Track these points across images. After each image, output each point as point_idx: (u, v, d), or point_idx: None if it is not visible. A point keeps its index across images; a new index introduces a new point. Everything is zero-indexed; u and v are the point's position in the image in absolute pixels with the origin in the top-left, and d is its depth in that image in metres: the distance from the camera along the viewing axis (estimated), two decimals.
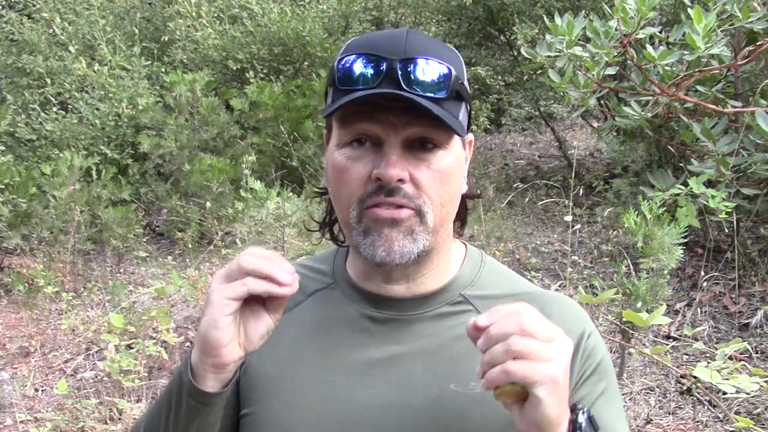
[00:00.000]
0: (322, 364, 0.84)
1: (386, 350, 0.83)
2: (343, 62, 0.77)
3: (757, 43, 2.91)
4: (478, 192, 0.94)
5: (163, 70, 6.18)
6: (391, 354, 0.83)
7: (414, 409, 0.80)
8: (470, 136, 0.85)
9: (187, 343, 3.48)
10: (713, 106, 3.06)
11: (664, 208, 2.75)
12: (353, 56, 0.76)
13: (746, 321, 3.16)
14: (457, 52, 0.83)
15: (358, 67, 0.76)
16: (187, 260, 4.66)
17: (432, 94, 0.74)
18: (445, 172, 0.78)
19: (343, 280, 0.89)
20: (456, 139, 0.79)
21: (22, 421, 2.96)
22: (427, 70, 0.75)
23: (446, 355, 0.82)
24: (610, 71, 3.17)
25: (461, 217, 0.90)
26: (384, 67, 0.74)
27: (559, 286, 3.67)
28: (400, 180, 0.75)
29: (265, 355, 0.86)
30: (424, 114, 0.74)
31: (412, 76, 0.74)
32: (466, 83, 0.81)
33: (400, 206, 0.76)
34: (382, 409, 0.80)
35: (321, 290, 0.90)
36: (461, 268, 0.88)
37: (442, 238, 0.82)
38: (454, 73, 0.77)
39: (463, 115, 0.80)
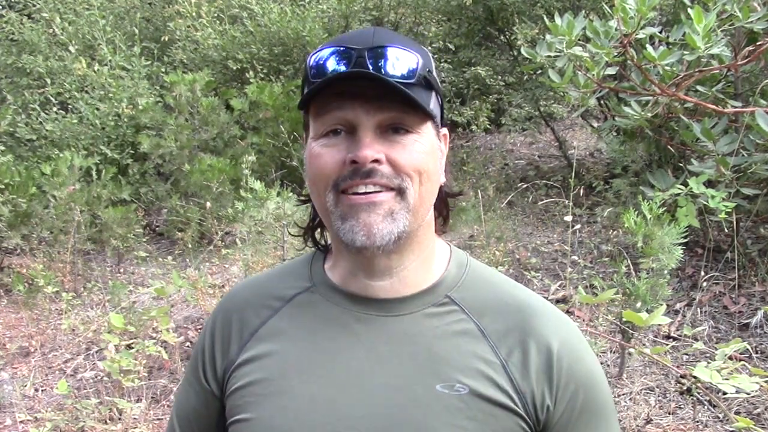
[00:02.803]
0: (311, 368, 0.83)
1: (372, 351, 0.83)
2: (315, 58, 0.80)
3: (757, 43, 2.91)
4: (459, 190, 0.95)
5: (163, 70, 6.18)
6: (379, 355, 0.83)
7: (401, 408, 0.80)
8: (445, 130, 0.87)
9: (187, 343, 3.48)
10: (713, 106, 3.06)
11: (664, 208, 2.75)
12: (324, 51, 0.79)
13: (746, 321, 3.16)
14: (423, 47, 0.85)
15: (330, 61, 0.78)
16: (187, 260, 4.66)
17: (400, 80, 0.77)
18: (421, 152, 0.79)
19: (322, 284, 0.89)
20: (429, 126, 0.81)
21: (22, 421, 2.96)
22: (394, 57, 0.77)
23: (433, 356, 0.82)
24: (610, 71, 3.17)
25: (443, 214, 0.91)
26: (353, 56, 0.77)
27: (559, 286, 3.67)
28: (376, 161, 0.76)
29: (252, 363, 0.86)
30: (395, 99, 0.76)
31: (380, 63, 0.77)
32: (434, 74, 0.83)
33: (379, 189, 0.77)
34: (372, 409, 0.80)
35: (300, 294, 0.89)
36: (447, 268, 0.88)
37: (422, 220, 0.83)
38: (421, 60, 0.79)
39: (434, 104, 0.81)
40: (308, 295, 0.89)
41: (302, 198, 0.97)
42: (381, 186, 0.77)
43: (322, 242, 0.94)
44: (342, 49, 0.78)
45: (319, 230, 0.94)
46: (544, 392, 0.81)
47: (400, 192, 0.78)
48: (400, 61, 0.77)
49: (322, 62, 0.78)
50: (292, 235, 1.00)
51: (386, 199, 0.77)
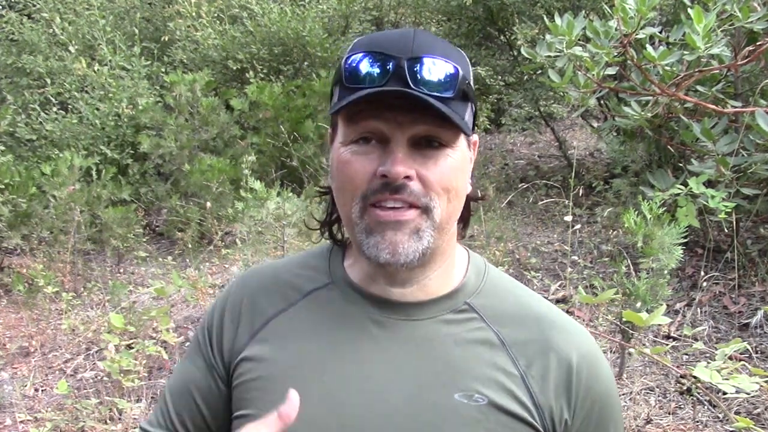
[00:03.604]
0: (324, 369, 0.82)
1: (389, 355, 0.81)
2: (350, 60, 0.77)
3: (757, 43, 2.91)
4: (482, 195, 0.93)
5: (163, 70, 6.18)
6: (394, 359, 0.81)
7: (417, 416, 0.78)
8: (475, 137, 0.85)
9: (187, 343, 3.48)
10: (713, 106, 3.06)
11: (664, 208, 2.75)
12: (361, 54, 0.76)
13: (746, 321, 3.16)
14: (463, 52, 0.82)
15: (366, 66, 0.75)
16: (187, 260, 4.66)
17: (439, 93, 0.74)
18: (453, 168, 0.77)
19: (341, 281, 0.87)
20: (462, 138, 0.79)
21: (22, 421, 2.96)
22: (434, 69, 0.75)
23: (451, 363, 0.80)
24: (610, 71, 3.17)
25: (464, 219, 0.89)
26: (391, 65, 0.74)
27: (559, 286, 3.67)
28: (407, 177, 0.74)
29: (262, 357, 0.85)
30: (430, 112, 0.73)
31: (419, 75, 0.74)
32: (472, 83, 0.81)
33: (408, 206, 0.75)
34: (385, 416, 0.78)
35: (318, 290, 0.88)
36: (466, 275, 0.87)
37: (447, 236, 0.81)
38: (461, 72, 0.77)
39: (468, 116, 0.79)
40: (326, 292, 0.87)
41: (320, 190, 0.94)
42: (408, 203, 0.75)
43: (339, 236, 0.91)
44: (379, 55, 0.75)
45: (336, 225, 0.91)
46: (562, 406, 0.80)
47: (426, 211, 0.76)
48: (440, 74, 0.75)
49: (357, 66, 0.76)
50: (309, 229, 0.98)
51: (413, 217, 0.76)
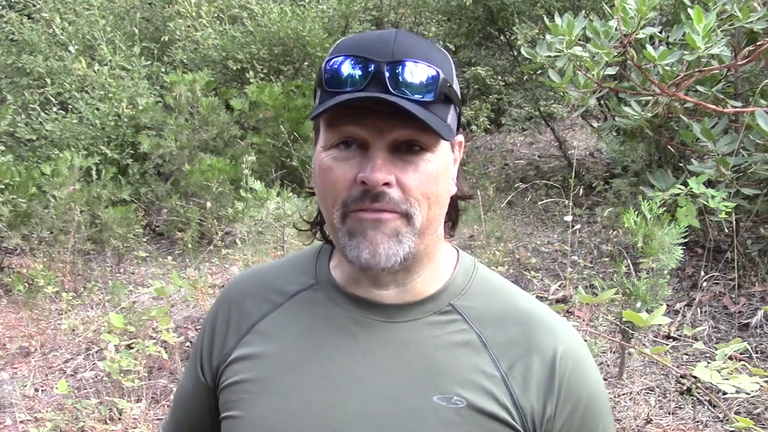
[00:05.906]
0: (306, 369, 0.82)
1: (371, 357, 0.81)
2: (330, 63, 0.76)
3: (757, 43, 2.91)
4: (470, 194, 0.92)
5: (163, 70, 6.17)
6: (376, 361, 0.81)
7: (397, 419, 0.78)
8: (460, 137, 0.84)
9: (187, 343, 3.48)
10: (713, 106, 3.06)
11: (664, 208, 2.75)
12: (341, 57, 0.76)
13: (746, 321, 3.16)
14: (447, 53, 0.82)
15: (346, 69, 0.75)
16: (187, 260, 4.66)
17: (419, 97, 0.74)
18: (433, 174, 0.77)
19: (326, 282, 0.87)
20: (444, 142, 0.79)
21: (22, 421, 2.96)
22: (415, 72, 0.74)
23: (431, 366, 0.80)
24: (610, 71, 3.17)
25: (452, 219, 0.89)
26: (371, 69, 0.74)
27: (559, 286, 3.67)
28: (386, 184, 0.74)
29: (247, 360, 0.86)
30: (411, 117, 0.72)
31: (399, 78, 0.73)
32: (455, 85, 0.80)
33: (387, 212, 0.75)
34: (367, 417, 0.79)
35: (303, 291, 0.88)
36: (452, 275, 0.86)
37: (430, 240, 0.81)
38: (442, 75, 0.76)
39: (451, 118, 0.79)
40: (310, 293, 0.87)
41: (309, 190, 0.94)
42: (388, 210, 0.75)
43: (330, 237, 0.92)
44: (359, 58, 0.75)
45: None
46: (545, 407, 0.80)
47: (407, 216, 0.76)
48: (420, 78, 0.74)
49: (337, 69, 0.75)
50: (298, 230, 0.98)
51: (392, 218, 0.75)
